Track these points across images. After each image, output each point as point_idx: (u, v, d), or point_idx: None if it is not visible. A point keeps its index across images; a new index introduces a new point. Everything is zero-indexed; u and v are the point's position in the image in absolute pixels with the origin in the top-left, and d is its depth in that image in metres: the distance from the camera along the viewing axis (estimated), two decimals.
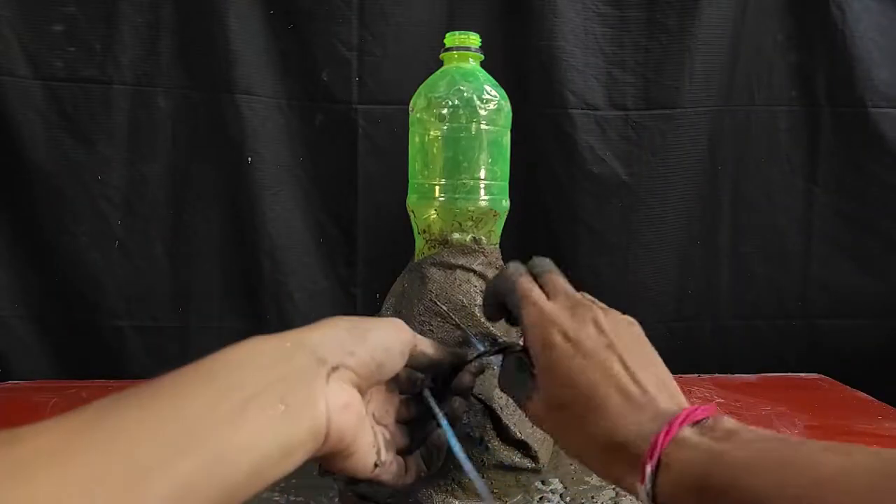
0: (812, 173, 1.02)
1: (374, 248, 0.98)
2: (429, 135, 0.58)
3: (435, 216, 0.59)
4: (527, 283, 0.43)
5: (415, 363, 0.42)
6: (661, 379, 0.38)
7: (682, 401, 0.37)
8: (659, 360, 0.40)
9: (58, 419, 0.26)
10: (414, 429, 0.45)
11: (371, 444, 0.38)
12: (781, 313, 1.05)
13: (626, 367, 0.37)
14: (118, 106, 0.91)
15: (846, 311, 1.04)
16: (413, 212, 0.61)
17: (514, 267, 0.45)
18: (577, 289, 0.44)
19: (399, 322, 0.42)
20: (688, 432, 0.34)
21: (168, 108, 0.93)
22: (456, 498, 0.53)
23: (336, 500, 0.57)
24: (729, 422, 0.34)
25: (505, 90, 0.60)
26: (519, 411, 0.54)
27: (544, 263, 0.45)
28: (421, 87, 0.60)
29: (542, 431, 0.55)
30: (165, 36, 0.91)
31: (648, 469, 0.33)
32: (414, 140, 0.60)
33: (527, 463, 0.55)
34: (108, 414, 0.27)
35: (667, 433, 0.34)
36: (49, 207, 0.91)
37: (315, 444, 0.32)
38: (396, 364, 0.40)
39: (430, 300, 0.56)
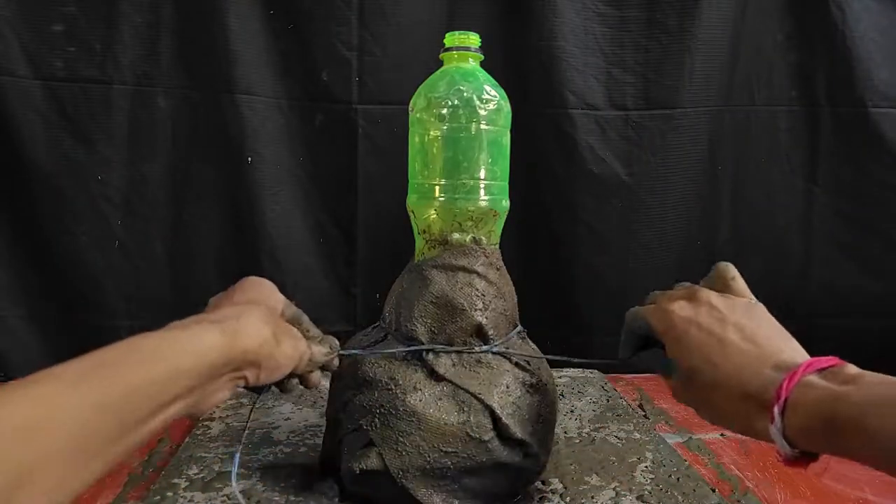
0: (812, 173, 1.02)
1: (374, 248, 0.98)
2: (429, 135, 0.58)
3: (435, 216, 0.59)
4: (643, 306, 0.49)
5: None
6: (781, 338, 0.43)
7: (806, 355, 0.41)
8: (779, 327, 0.45)
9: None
10: None
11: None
12: (781, 313, 1.04)
13: (740, 331, 0.42)
14: (118, 106, 0.91)
15: (846, 311, 1.04)
16: (413, 212, 0.61)
17: (633, 309, 0.50)
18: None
19: (298, 338, 0.49)
20: (813, 378, 0.37)
21: (168, 108, 0.93)
22: (456, 498, 0.53)
23: (336, 500, 0.57)
24: (852, 368, 0.38)
25: (505, 90, 0.60)
26: (519, 411, 0.54)
27: (653, 293, 0.51)
28: (421, 87, 0.60)
29: (542, 431, 0.56)
30: (165, 36, 0.91)
31: (776, 410, 0.37)
32: (414, 140, 0.60)
33: (527, 463, 0.55)
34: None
35: (790, 378, 0.37)
36: (49, 207, 0.91)
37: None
38: (285, 374, 0.48)
39: (430, 301, 0.56)
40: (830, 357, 0.39)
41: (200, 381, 0.39)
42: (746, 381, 0.40)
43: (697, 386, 0.42)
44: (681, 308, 0.45)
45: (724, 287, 0.49)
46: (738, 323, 0.43)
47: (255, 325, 0.44)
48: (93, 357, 0.36)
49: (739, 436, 0.44)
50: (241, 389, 0.46)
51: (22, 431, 0.29)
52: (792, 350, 0.41)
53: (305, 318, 0.54)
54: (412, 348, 0.55)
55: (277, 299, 0.52)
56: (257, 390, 0.48)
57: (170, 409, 0.37)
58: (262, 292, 0.51)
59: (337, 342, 0.54)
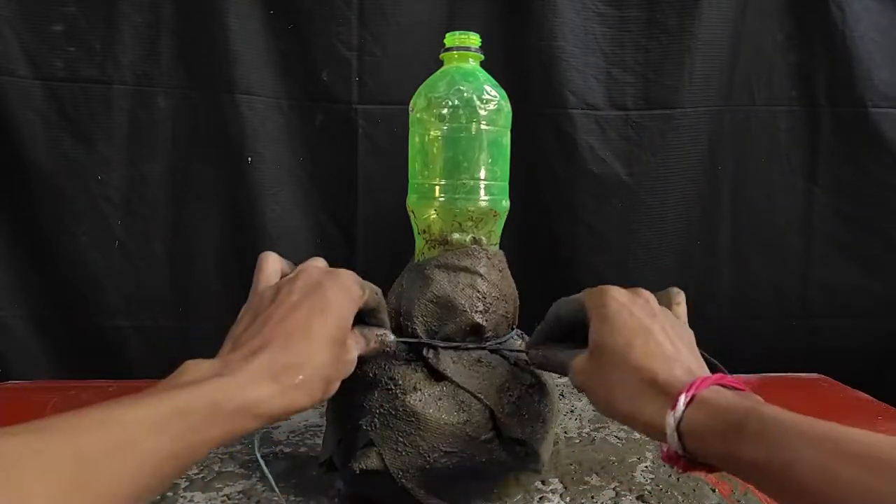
0: (812, 173, 1.02)
1: (374, 249, 0.98)
2: (429, 135, 0.58)
3: (435, 216, 0.58)
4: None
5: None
6: (694, 353, 0.44)
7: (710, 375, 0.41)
8: (695, 346, 0.45)
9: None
10: None
11: None
12: (781, 313, 1.05)
13: (665, 332, 0.43)
14: (118, 106, 0.91)
15: (846, 311, 1.04)
16: (413, 212, 0.61)
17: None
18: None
19: (343, 353, 0.44)
20: (727, 390, 0.38)
21: (168, 108, 0.93)
22: (456, 498, 0.53)
23: (336, 500, 0.57)
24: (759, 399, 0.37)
25: (505, 90, 0.60)
26: (519, 411, 0.54)
27: None
28: (421, 87, 0.60)
29: (542, 431, 0.56)
30: (165, 36, 0.91)
31: (682, 399, 0.37)
32: (414, 140, 0.60)
33: (527, 463, 0.55)
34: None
35: (705, 379, 0.38)
36: (49, 207, 0.91)
37: None
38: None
39: (431, 300, 0.56)
40: (740, 380, 0.39)
41: (220, 440, 0.35)
42: (658, 369, 0.40)
43: (604, 363, 0.42)
44: (619, 293, 0.46)
45: (667, 306, 0.49)
46: (667, 325, 0.44)
47: (310, 394, 0.39)
48: (164, 400, 0.33)
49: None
50: None
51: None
52: (699, 364, 0.42)
53: (383, 306, 0.50)
54: (413, 340, 0.55)
55: (351, 300, 0.45)
56: None
57: (180, 462, 0.33)
58: (328, 300, 0.43)
59: (391, 338, 0.51)
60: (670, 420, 0.37)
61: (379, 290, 0.51)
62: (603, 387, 0.43)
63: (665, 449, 0.38)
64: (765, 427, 0.33)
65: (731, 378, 0.39)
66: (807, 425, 0.33)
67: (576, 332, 0.49)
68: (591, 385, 0.44)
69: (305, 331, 0.40)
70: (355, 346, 0.45)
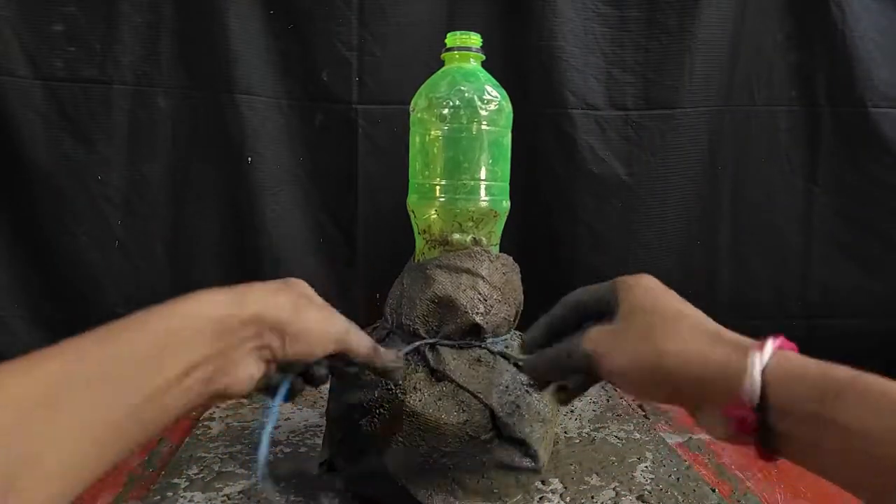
0: (812, 173, 1.02)
1: (374, 248, 0.98)
2: (429, 135, 0.58)
3: (435, 216, 0.59)
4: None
5: (345, 354, 0.44)
6: None
7: None
8: None
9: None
10: None
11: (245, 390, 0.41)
12: (781, 313, 1.05)
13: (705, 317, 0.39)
14: (118, 106, 0.91)
15: (846, 311, 1.04)
16: (413, 212, 0.61)
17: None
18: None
19: (335, 318, 0.43)
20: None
21: (168, 108, 0.93)
22: (456, 498, 0.53)
23: (336, 500, 0.57)
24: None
25: (505, 90, 0.60)
26: (518, 411, 0.54)
27: None
28: (422, 87, 0.60)
29: (542, 431, 0.55)
30: (165, 36, 0.91)
31: (770, 342, 0.32)
32: (414, 140, 0.60)
33: (527, 463, 0.55)
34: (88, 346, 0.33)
35: (785, 341, 0.33)
36: (49, 207, 0.91)
37: (214, 402, 0.40)
38: (318, 351, 0.42)
39: (432, 300, 0.56)
40: None
41: (211, 347, 0.35)
42: (721, 329, 0.36)
43: (643, 324, 0.38)
44: (656, 279, 0.43)
45: None
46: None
47: (267, 290, 0.40)
48: (92, 333, 0.34)
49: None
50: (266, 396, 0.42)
51: (25, 411, 0.28)
52: None
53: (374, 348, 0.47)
54: (414, 345, 0.55)
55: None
56: (274, 391, 0.42)
57: (185, 381, 0.34)
58: (295, 281, 0.44)
59: (401, 363, 0.49)
60: (756, 361, 0.32)
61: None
62: (636, 340, 0.38)
63: (733, 403, 0.32)
64: (877, 392, 0.29)
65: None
66: None
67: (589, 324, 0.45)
68: (615, 343, 0.39)
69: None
70: (338, 324, 0.44)
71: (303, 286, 0.44)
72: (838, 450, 0.29)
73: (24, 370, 0.30)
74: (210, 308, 0.37)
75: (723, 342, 0.35)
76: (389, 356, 0.47)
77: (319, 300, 0.44)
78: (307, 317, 0.41)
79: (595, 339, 0.40)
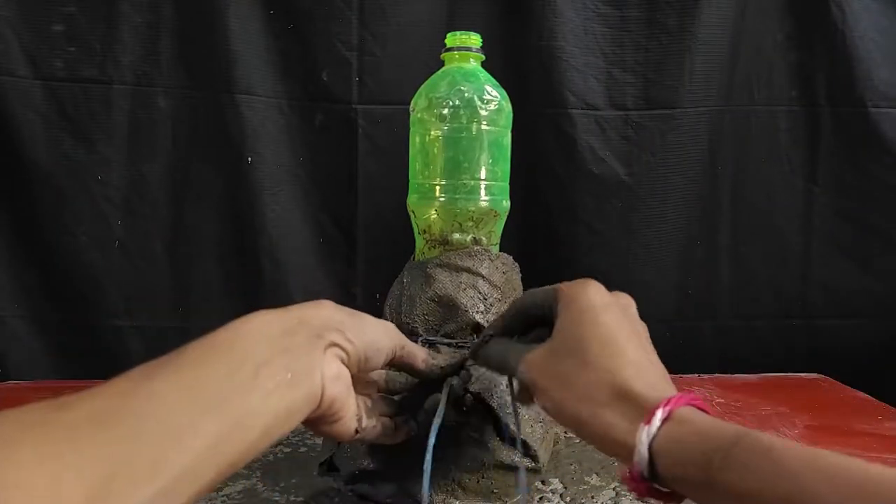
0: (812, 173, 1.02)
1: (374, 248, 0.98)
2: (429, 135, 0.58)
3: (435, 216, 0.59)
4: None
5: (398, 368, 0.46)
6: (664, 371, 0.38)
7: None
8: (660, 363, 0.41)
9: (99, 389, 0.29)
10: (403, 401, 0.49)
11: (354, 413, 0.41)
12: (781, 313, 1.05)
13: (641, 342, 0.39)
14: (118, 106, 0.91)
15: (846, 311, 1.04)
16: (413, 212, 0.61)
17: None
18: None
19: (391, 326, 0.44)
20: (698, 411, 0.33)
21: (168, 108, 0.93)
22: (456, 498, 0.53)
23: (336, 500, 0.57)
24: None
25: (505, 90, 0.60)
26: (519, 411, 0.54)
27: None
28: (422, 87, 0.60)
29: (542, 431, 0.55)
30: (165, 36, 0.91)
31: (660, 413, 0.32)
32: (414, 140, 0.60)
33: (527, 463, 0.55)
34: (142, 382, 0.30)
35: (681, 397, 0.33)
36: (49, 207, 0.91)
37: (310, 407, 0.36)
38: (379, 362, 0.42)
39: (432, 299, 0.56)
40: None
41: (276, 345, 0.35)
42: (633, 378, 0.35)
43: (567, 360, 0.37)
44: (599, 289, 0.40)
45: None
46: (644, 336, 0.39)
47: (316, 307, 0.39)
48: (150, 366, 0.32)
49: None
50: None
51: (134, 421, 0.28)
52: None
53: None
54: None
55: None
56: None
57: (258, 381, 0.33)
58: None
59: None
60: (643, 436, 0.32)
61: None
62: (560, 387, 0.37)
63: (628, 471, 0.33)
64: (760, 453, 0.29)
65: (702, 401, 0.34)
66: (813, 455, 0.28)
67: (535, 329, 0.45)
68: (544, 383, 0.38)
69: None
70: (394, 332, 0.44)
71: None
72: None
73: (116, 391, 0.29)
74: (265, 319, 0.36)
75: (625, 403, 0.35)
76: (439, 361, 0.47)
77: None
78: (363, 319, 0.41)
79: (528, 368, 0.40)
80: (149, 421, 0.28)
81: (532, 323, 0.45)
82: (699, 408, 0.34)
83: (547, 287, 0.44)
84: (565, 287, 0.42)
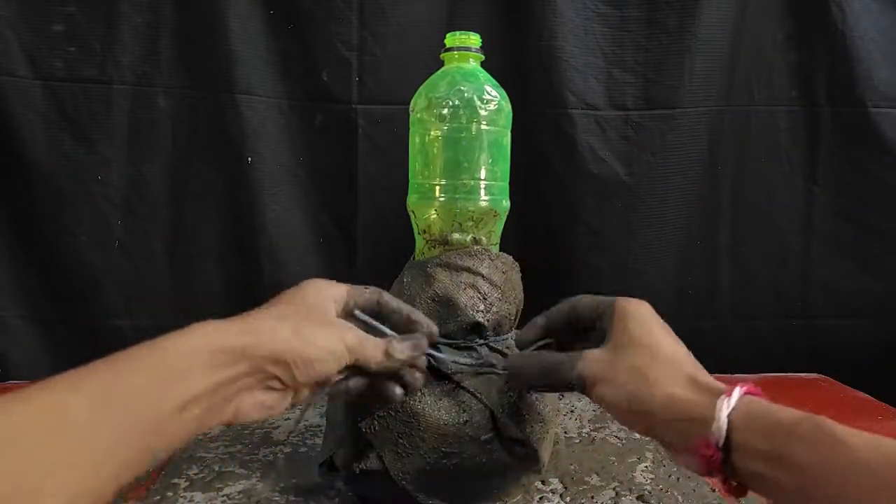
0: (812, 173, 1.02)
1: (374, 248, 0.98)
2: (429, 135, 0.58)
3: (435, 216, 0.59)
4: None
5: (358, 367, 0.44)
6: None
7: None
8: None
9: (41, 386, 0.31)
10: None
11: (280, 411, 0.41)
12: (781, 313, 1.05)
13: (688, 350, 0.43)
14: (118, 106, 0.91)
15: (846, 311, 1.04)
16: (413, 212, 0.61)
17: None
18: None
19: (347, 332, 0.43)
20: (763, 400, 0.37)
21: (168, 108, 0.93)
22: (456, 498, 0.53)
23: (336, 500, 0.57)
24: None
25: (505, 90, 0.60)
26: (519, 411, 0.54)
27: None
28: (421, 87, 0.60)
29: (542, 431, 0.56)
30: (165, 36, 0.91)
31: (738, 391, 0.36)
32: (414, 140, 0.60)
33: (527, 463, 0.55)
34: (64, 394, 0.31)
35: (751, 385, 0.37)
36: (49, 207, 0.91)
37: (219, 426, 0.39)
38: (331, 373, 0.42)
39: (432, 298, 0.56)
40: None
41: (207, 380, 0.35)
42: (700, 371, 0.40)
43: (638, 354, 0.42)
44: (650, 306, 0.46)
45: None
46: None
47: (266, 318, 0.40)
48: (92, 365, 0.33)
49: None
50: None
51: (28, 439, 0.28)
52: None
53: (393, 303, 0.48)
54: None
55: (327, 296, 0.45)
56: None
57: (184, 414, 0.34)
58: (302, 294, 0.44)
59: (424, 342, 0.47)
60: (723, 407, 0.35)
61: (374, 291, 0.48)
62: (630, 377, 0.41)
63: (703, 443, 0.36)
64: (826, 430, 0.32)
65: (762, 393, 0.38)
66: (875, 440, 0.31)
67: (576, 333, 0.48)
68: (609, 375, 0.42)
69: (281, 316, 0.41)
70: (361, 334, 0.43)
71: (313, 294, 0.44)
72: (794, 484, 0.33)
73: (23, 399, 0.30)
74: (202, 342, 0.37)
75: (698, 387, 0.39)
76: (406, 346, 0.45)
77: (327, 313, 0.44)
78: (311, 340, 0.40)
79: (590, 364, 0.43)
80: (59, 436, 0.29)
81: (574, 323, 0.48)
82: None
83: (599, 297, 0.48)
84: (622, 301, 0.46)
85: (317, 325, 0.41)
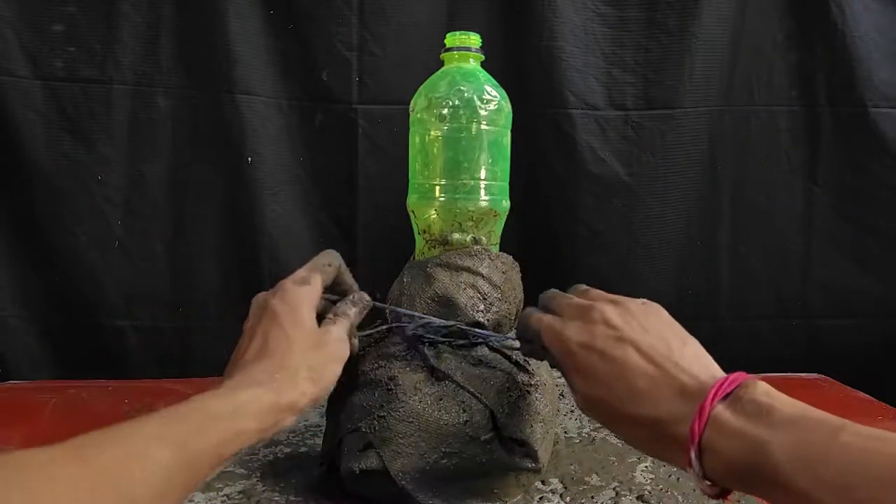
0: (812, 173, 1.02)
1: (374, 248, 0.98)
2: (429, 135, 0.58)
3: (435, 216, 0.59)
4: (536, 316, 0.46)
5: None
6: (680, 345, 0.40)
7: (709, 363, 0.39)
8: (679, 329, 0.41)
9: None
10: None
11: None
12: (781, 313, 1.05)
13: (640, 353, 0.39)
14: (118, 106, 0.91)
15: (846, 311, 1.04)
16: (413, 212, 0.61)
17: (525, 311, 0.48)
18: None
19: (341, 352, 0.48)
20: (724, 414, 0.34)
21: (168, 108, 0.93)
22: (456, 498, 0.53)
23: (336, 500, 0.57)
24: (761, 391, 0.35)
25: (505, 90, 0.60)
26: (519, 411, 0.54)
27: (546, 295, 0.48)
28: (421, 87, 0.60)
29: (542, 431, 0.56)
30: (165, 36, 0.91)
31: (693, 454, 0.34)
32: (414, 140, 0.60)
33: (527, 463, 0.55)
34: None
35: (700, 416, 0.34)
36: (49, 207, 0.91)
37: None
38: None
39: (432, 298, 0.56)
40: (735, 375, 0.36)
41: (253, 440, 0.40)
42: (653, 408, 0.37)
43: (608, 412, 0.40)
44: (577, 333, 0.42)
45: (554, 305, 0.46)
46: (635, 340, 0.40)
47: (297, 385, 0.43)
48: (164, 416, 0.36)
49: None
50: None
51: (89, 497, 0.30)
52: (692, 360, 0.38)
53: (348, 277, 0.54)
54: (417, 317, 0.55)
55: (302, 309, 0.47)
56: None
57: (223, 465, 0.38)
58: (279, 322, 0.46)
59: (367, 298, 0.54)
60: (695, 478, 0.35)
61: (333, 257, 0.53)
62: (620, 434, 0.41)
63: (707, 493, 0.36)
64: (777, 471, 0.31)
65: (726, 382, 0.36)
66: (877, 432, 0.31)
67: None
68: (607, 427, 0.42)
69: (264, 345, 0.45)
70: (339, 325, 0.49)
71: (290, 320, 0.46)
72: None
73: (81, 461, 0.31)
74: (258, 401, 0.40)
75: (664, 441, 0.37)
76: (355, 312, 0.51)
77: (312, 328, 0.47)
78: (323, 378, 0.45)
79: (583, 409, 0.43)
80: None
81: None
82: (724, 393, 0.36)
83: (530, 329, 0.46)
84: (549, 343, 0.45)
85: (315, 353, 0.45)
